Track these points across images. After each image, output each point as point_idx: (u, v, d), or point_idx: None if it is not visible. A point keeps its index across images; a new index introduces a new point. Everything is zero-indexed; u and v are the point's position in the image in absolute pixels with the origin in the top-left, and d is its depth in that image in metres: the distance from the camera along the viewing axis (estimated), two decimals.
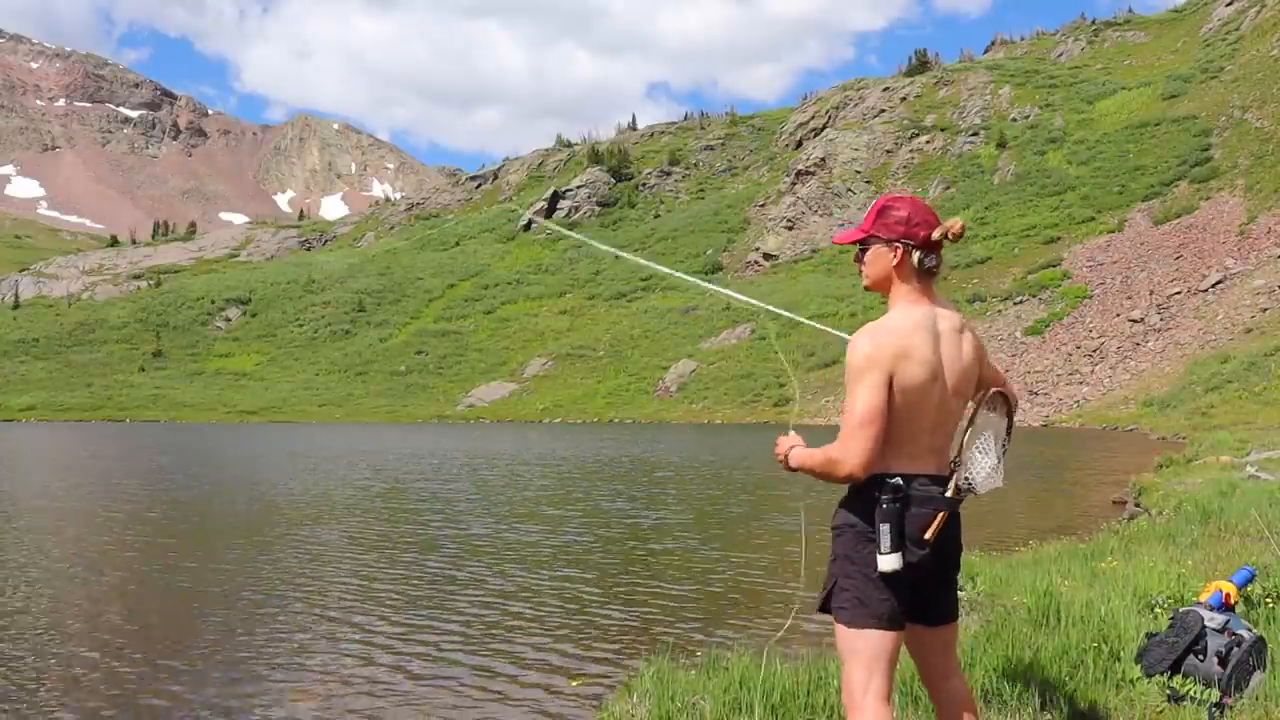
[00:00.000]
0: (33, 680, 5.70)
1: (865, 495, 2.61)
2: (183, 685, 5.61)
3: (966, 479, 2.63)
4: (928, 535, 2.56)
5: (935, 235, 2.66)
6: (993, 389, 2.77)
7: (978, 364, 2.73)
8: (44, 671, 5.89)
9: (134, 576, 9.28)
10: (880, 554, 2.54)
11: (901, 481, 2.57)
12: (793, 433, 2.79)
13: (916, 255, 2.67)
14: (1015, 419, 2.82)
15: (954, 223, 2.67)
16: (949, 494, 2.61)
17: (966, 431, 2.68)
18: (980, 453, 2.67)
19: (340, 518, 13.32)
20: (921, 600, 2.67)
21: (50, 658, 6.19)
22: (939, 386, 2.60)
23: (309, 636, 6.69)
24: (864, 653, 2.58)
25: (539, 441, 36.93)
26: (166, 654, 6.30)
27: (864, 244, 2.75)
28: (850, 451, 2.53)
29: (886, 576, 2.55)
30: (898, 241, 2.68)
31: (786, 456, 2.72)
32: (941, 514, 2.58)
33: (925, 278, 2.69)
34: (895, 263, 2.68)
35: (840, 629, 2.65)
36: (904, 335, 2.57)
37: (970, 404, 2.74)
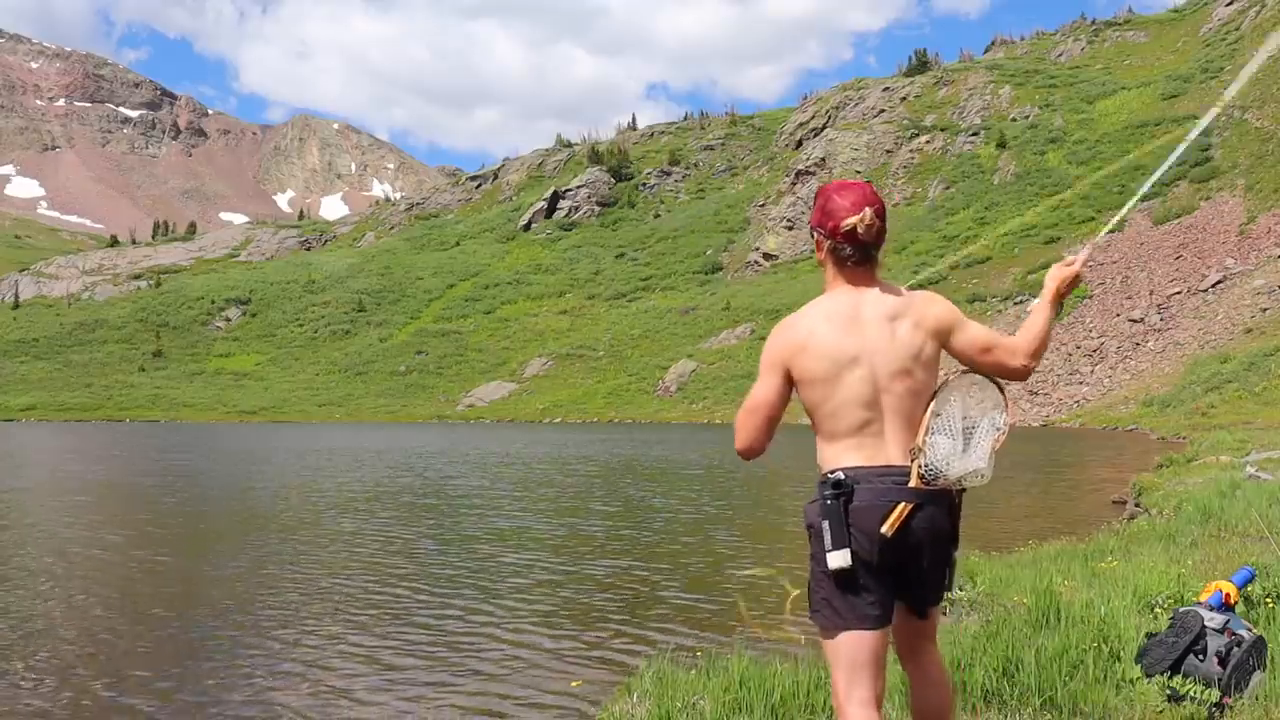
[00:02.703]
0: (100, 662, 5.75)
1: (816, 494, 2.58)
2: (215, 653, 5.64)
3: (929, 465, 2.51)
4: (884, 529, 2.47)
5: (843, 225, 2.59)
6: (960, 371, 2.67)
7: (925, 348, 2.59)
8: (117, 652, 5.93)
9: (221, 565, 9.60)
10: (826, 551, 2.49)
11: (844, 476, 2.52)
12: None
13: (828, 244, 2.64)
14: (1009, 409, 2.64)
15: (863, 214, 2.58)
16: (910, 484, 2.51)
17: (925, 417, 2.56)
18: (944, 435, 2.53)
19: (387, 513, 13.39)
20: (903, 591, 2.62)
21: (119, 636, 6.23)
22: (860, 375, 2.54)
23: (298, 636, 6.70)
24: (841, 657, 2.54)
25: (552, 441, 36.92)
26: (226, 627, 6.34)
27: (812, 231, 2.75)
28: (738, 433, 2.65)
29: (842, 574, 2.49)
30: (814, 230, 2.70)
31: None
32: (902, 505, 2.48)
33: (850, 266, 2.63)
34: (819, 250, 2.70)
35: (819, 634, 2.62)
36: (804, 330, 2.58)
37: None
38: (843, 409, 2.55)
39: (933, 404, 2.58)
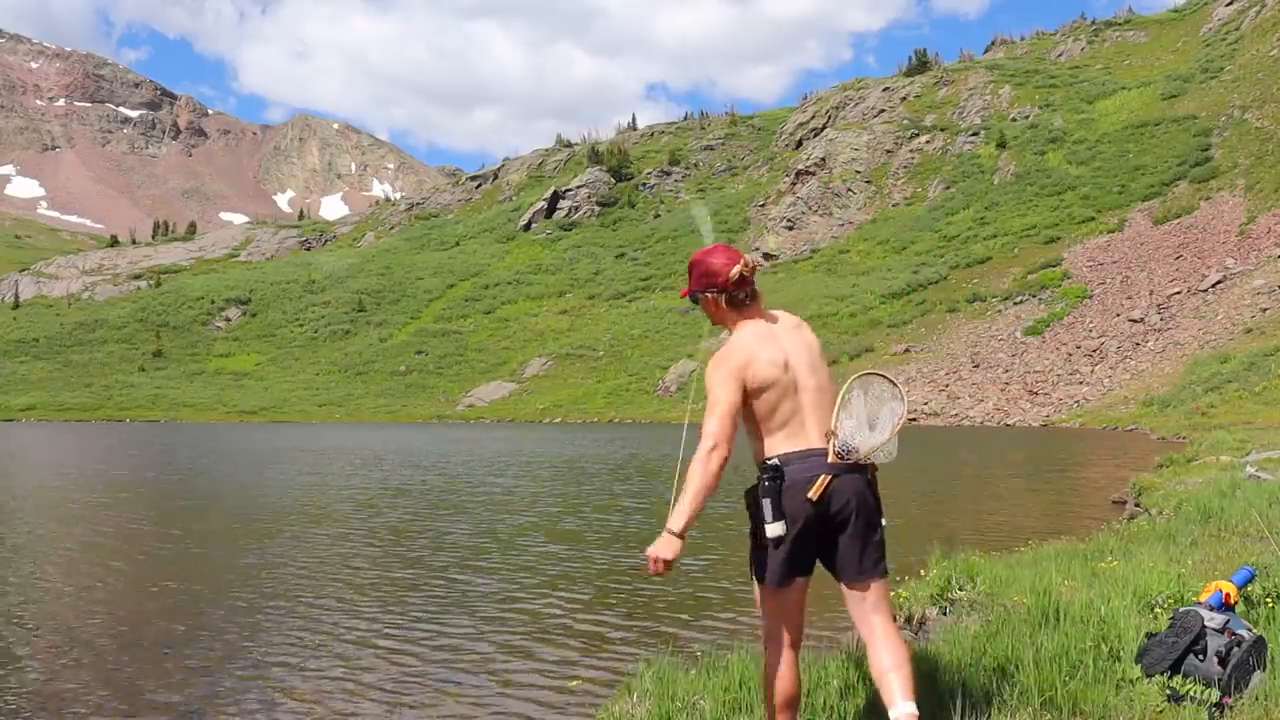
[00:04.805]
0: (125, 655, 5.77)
1: (757, 479, 3.08)
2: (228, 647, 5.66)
3: (843, 443, 3.06)
4: (810, 494, 3.00)
5: (732, 276, 3.17)
6: (860, 373, 3.22)
7: (819, 351, 3.23)
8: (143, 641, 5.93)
9: (263, 556, 9.84)
10: (766, 524, 3.03)
11: (779, 462, 3.05)
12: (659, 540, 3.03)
13: (724, 297, 3.20)
14: (904, 398, 3.19)
15: (744, 260, 3.18)
16: (829, 460, 3.04)
17: (835, 407, 3.11)
18: (849, 418, 3.09)
19: (409, 509, 13.46)
20: (829, 556, 3.10)
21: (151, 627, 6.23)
22: (792, 374, 3.12)
23: (307, 636, 6.71)
24: (770, 606, 3.15)
25: (558, 440, 36.91)
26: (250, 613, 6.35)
27: (694, 298, 3.29)
28: (715, 429, 3.01)
29: (774, 542, 3.02)
30: (706, 292, 3.23)
31: (660, 558, 2.98)
32: (825, 476, 3.01)
33: (748, 304, 3.21)
34: (715, 307, 3.24)
35: (756, 588, 3.19)
36: (746, 347, 3.12)
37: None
38: (780, 405, 3.09)
39: (840, 396, 3.13)
